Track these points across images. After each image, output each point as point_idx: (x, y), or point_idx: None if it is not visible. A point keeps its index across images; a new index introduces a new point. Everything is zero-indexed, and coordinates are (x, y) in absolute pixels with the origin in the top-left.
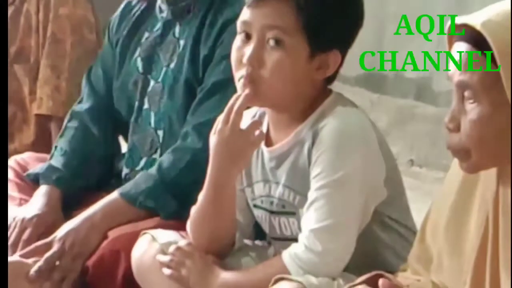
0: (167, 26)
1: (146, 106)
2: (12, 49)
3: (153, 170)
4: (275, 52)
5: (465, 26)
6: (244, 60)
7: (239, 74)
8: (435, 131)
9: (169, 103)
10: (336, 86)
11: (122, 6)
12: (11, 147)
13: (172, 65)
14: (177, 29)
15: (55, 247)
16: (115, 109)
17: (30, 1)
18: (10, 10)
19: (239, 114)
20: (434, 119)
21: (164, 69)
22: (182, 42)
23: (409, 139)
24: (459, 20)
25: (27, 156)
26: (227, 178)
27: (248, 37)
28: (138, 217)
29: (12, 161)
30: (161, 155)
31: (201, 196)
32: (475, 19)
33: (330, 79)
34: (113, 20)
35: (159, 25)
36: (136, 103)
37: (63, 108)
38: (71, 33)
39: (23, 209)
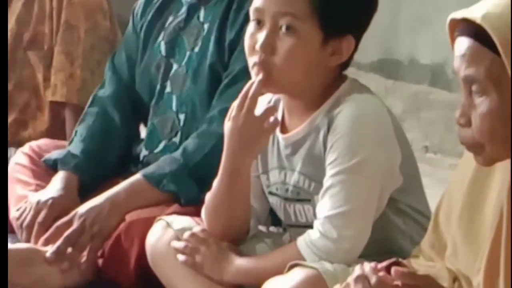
0: (192, 10)
1: (168, 89)
2: (26, 36)
3: (177, 154)
4: (287, 38)
5: (465, 20)
6: (257, 47)
7: (252, 61)
8: (450, 117)
9: (192, 87)
10: (350, 72)
11: None
12: (25, 134)
13: (196, 49)
14: (201, 13)
15: (75, 225)
16: (137, 93)
17: None
18: None
19: (253, 101)
20: (449, 105)
21: (188, 53)
22: (206, 26)
23: (423, 125)
24: (458, 14)
25: (42, 143)
26: (242, 165)
27: (260, 24)
28: (160, 200)
29: (27, 148)
30: (181, 138)
31: (216, 183)
32: (475, 13)
33: (345, 65)
34: (138, 5)
35: (183, 9)
36: (158, 86)
37: (77, 95)
38: (84, 19)
39: (39, 193)
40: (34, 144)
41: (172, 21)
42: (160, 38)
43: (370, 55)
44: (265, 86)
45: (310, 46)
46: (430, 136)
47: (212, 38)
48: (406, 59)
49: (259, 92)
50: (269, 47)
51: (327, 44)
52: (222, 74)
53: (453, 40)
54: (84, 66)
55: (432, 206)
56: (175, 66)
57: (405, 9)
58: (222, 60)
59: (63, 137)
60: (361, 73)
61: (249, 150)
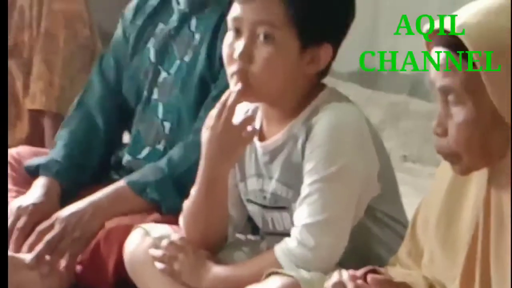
0: (183, 19)
1: (155, 96)
2: None
3: (162, 163)
4: (265, 47)
5: (442, 30)
6: (235, 55)
7: (231, 70)
8: (428, 127)
9: (180, 96)
10: (329, 82)
11: None
12: None
13: (186, 59)
14: (193, 22)
15: (56, 229)
16: (123, 98)
17: None
18: None
19: (231, 110)
20: (427, 115)
21: (177, 62)
22: (197, 36)
23: (402, 134)
24: (434, 25)
25: (21, 150)
26: (219, 173)
27: (239, 33)
28: (142, 207)
29: None
30: (165, 146)
31: (193, 191)
32: (450, 23)
33: (323, 73)
34: (128, 10)
35: (175, 16)
36: (145, 93)
37: (56, 103)
38: (64, 28)
39: (20, 198)
40: (13, 151)
41: (163, 28)
42: (150, 44)
43: (348, 65)
44: (243, 95)
45: (287, 55)
46: (408, 145)
47: (203, 49)
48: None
49: (237, 101)
50: (246, 56)
51: (305, 52)
52: (211, 85)
53: (429, 49)
54: (64, 75)
55: (410, 214)
56: (163, 74)
57: (383, 19)
58: (212, 72)
59: (42, 145)
60: (339, 82)
61: (227, 158)
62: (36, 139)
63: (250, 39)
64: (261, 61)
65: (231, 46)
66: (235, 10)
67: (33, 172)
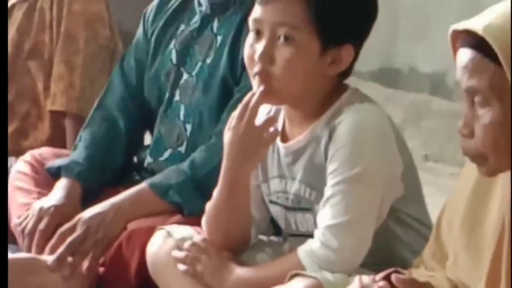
0: (205, 20)
1: (176, 98)
2: (26, 46)
3: (185, 165)
4: (285, 48)
5: (467, 31)
6: (256, 57)
7: (252, 71)
8: (450, 126)
9: (202, 98)
10: (349, 81)
11: None
12: (26, 143)
13: (208, 60)
14: (215, 24)
15: (78, 231)
16: (145, 99)
17: None
18: (24, 6)
19: (254, 111)
20: (449, 114)
21: (199, 63)
22: (220, 38)
23: (424, 134)
24: (460, 26)
25: (43, 151)
26: (241, 175)
27: (259, 34)
28: (164, 210)
29: (28, 156)
30: (186, 148)
31: (215, 192)
32: (476, 24)
33: (345, 74)
34: (149, 10)
35: (196, 18)
36: (167, 94)
37: (76, 104)
38: (84, 29)
39: (42, 200)
40: (35, 152)
41: (184, 29)
42: (172, 45)
43: (369, 64)
44: (265, 96)
45: (308, 56)
46: (430, 145)
47: (225, 51)
48: (406, 68)
49: (259, 103)
50: (267, 57)
51: (326, 54)
52: (233, 87)
53: (455, 51)
54: (84, 75)
55: (433, 214)
56: (185, 75)
57: (404, 18)
58: (234, 74)
59: (64, 146)
60: (360, 81)
61: (249, 160)
62: (57, 140)
63: (271, 40)
64: (281, 62)
65: (252, 47)
66: (256, 11)
67: (54, 174)
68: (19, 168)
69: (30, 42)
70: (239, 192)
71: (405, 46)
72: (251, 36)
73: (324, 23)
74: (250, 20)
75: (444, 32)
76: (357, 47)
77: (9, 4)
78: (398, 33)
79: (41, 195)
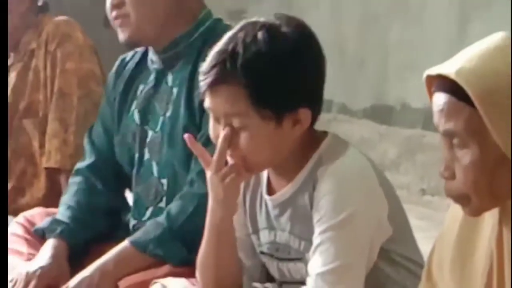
0: (160, 75)
1: (147, 156)
2: (21, 105)
3: (161, 218)
4: (242, 134)
5: (441, 76)
6: (218, 143)
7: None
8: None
9: (170, 151)
10: (343, 120)
11: (117, 63)
12: (22, 201)
13: (168, 113)
14: (169, 77)
15: None
16: (118, 163)
17: (38, 56)
18: (19, 66)
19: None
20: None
21: (161, 118)
22: (175, 90)
23: (419, 168)
24: (433, 70)
25: (36, 212)
26: (220, 221)
27: (217, 119)
28: (149, 264)
29: (21, 218)
30: (167, 203)
31: (203, 242)
32: (449, 68)
33: (312, 123)
34: (109, 77)
35: (152, 76)
36: (137, 155)
37: (70, 161)
38: (77, 87)
39: (29, 263)
40: (28, 214)
41: (143, 89)
42: (133, 107)
43: (362, 102)
44: (243, 175)
45: (265, 133)
46: (426, 178)
47: (182, 102)
48: (398, 104)
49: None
50: (231, 143)
51: (282, 122)
52: (196, 135)
53: (430, 95)
54: (78, 133)
55: (430, 249)
56: (150, 133)
57: (393, 54)
58: (194, 122)
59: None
60: (354, 119)
61: (222, 204)
62: (53, 196)
63: (228, 127)
64: (243, 147)
65: (215, 130)
66: (206, 99)
67: (41, 235)
68: (12, 230)
69: (25, 102)
70: (222, 238)
71: (395, 82)
72: (211, 118)
73: (268, 103)
74: (205, 105)
75: (433, 65)
76: (313, 105)
77: None
78: (388, 70)
79: (32, 256)
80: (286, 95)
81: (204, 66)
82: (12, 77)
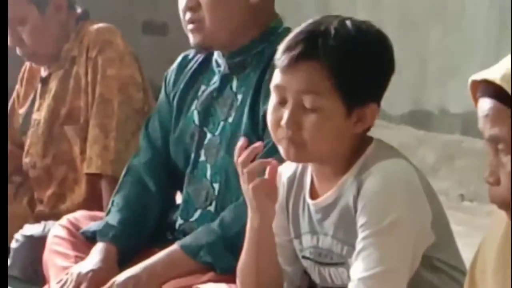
0: (224, 80)
1: (202, 158)
2: (62, 111)
3: (215, 224)
4: (312, 114)
5: (486, 81)
6: (282, 123)
7: (277, 136)
8: (483, 164)
9: (226, 157)
10: (381, 125)
11: (179, 59)
12: (63, 207)
13: (230, 120)
14: (234, 83)
15: None
16: (172, 161)
17: (79, 63)
18: (60, 73)
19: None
20: (482, 153)
21: (221, 123)
22: (240, 97)
23: (458, 174)
24: (479, 76)
25: (79, 215)
26: (258, 228)
27: (283, 100)
28: (195, 270)
29: (64, 220)
30: (216, 207)
31: (244, 248)
32: (494, 74)
33: (369, 127)
34: (170, 73)
35: (216, 78)
36: (193, 155)
37: (111, 166)
38: (118, 93)
39: (79, 265)
40: (71, 216)
41: (205, 90)
42: (193, 107)
43: (400, 107)
44: (297, 159)
45: (335, 119)
46: (465, 184)
47: (246, 109)
48: (436, 109)
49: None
50: (295, 124)
51: (351, 115)
52: None
53: (475, 100)
54: (118, 138)
55: (470, 255)
56: (209, 135)
57: (432, 60)
58: (256, 132)
59: (100, 209)
60: (392, 125)
61: (255, 211)
62: (94, 202)
63: (296, 106)
64: (309, 128)
65: (276, 112)
66: (278, 78)
67: (90, 238)
68: (56, 233)
69: (66, 108)
70: (261, 243)
71: (434, 87)
72: (273, 99)
73: (348, 88)
74: (272, 86)
75: (472, 71)
76: (380, 101)
77: (46, 73)
78: (427, 75)
79: (78, 258)
80: (367, 84)
81: (285, 43)
82: (53, 84)
